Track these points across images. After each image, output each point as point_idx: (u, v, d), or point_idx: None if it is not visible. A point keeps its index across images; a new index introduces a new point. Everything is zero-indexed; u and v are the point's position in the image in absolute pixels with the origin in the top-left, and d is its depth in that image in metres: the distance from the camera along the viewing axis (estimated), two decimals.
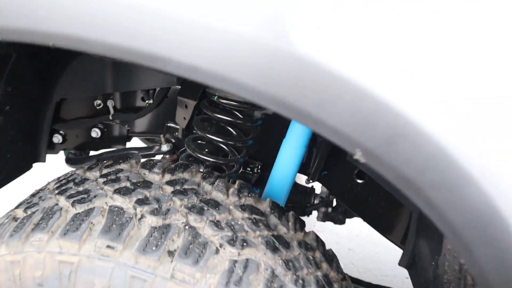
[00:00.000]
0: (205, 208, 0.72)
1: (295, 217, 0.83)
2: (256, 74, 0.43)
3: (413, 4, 0.42)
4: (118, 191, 0.72)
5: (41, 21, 0.47)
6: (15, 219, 0.73)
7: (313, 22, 0.42)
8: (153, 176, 0.78)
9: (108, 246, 0.64)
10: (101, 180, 0.76)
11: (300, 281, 0.70)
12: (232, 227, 0.71)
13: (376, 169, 0.45)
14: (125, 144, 1.11)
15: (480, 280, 0.46)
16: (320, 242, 0.83)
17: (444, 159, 0.42)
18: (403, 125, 0.42)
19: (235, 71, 0.43)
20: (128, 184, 0.74)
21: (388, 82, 0.42)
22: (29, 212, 0.73)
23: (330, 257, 0.83)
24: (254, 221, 0.74)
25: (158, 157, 1.07)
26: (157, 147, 1.02)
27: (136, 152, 1.02)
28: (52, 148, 1.01)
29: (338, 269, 0.83)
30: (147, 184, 0.75)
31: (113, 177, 0.77)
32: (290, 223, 0.80)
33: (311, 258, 0.77)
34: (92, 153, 1.11)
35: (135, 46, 0.44)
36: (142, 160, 0.84)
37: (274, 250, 0.71)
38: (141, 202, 0.70)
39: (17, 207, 0.78)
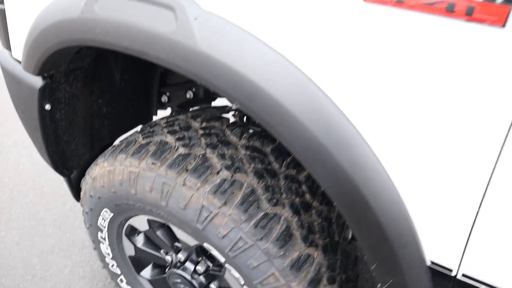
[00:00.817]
0: (219, 145, 1.06)
1: (293, 159, 1.09)
2: None
3: None
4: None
5: None
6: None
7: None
8: (195, 124, 1.15)
9: (153, 163, 1.04)
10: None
11: (274, 200, 0.98)
12: (233, 159, 1.03)
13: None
14: (211, 103, 1.51)
15: None
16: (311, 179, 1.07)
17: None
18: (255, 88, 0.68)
19: None
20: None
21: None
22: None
23: (316, 189, 1.07)
24: (253, 157, 1.05)
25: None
26: (228, 107, 1.38)
27: (215, 110, 1.39)
28: (162, 105, 1.48)
29: (323, 201, 1.07)
30: (188, 128, 1.13)
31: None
32: (284, 162, 1.07)
33: (294, 188, 1.04)
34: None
35: None
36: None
37: (260, 177, 1.01)
38: (180, 139, 1.09)
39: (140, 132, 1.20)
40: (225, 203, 0.94)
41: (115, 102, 1.37)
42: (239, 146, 1.08)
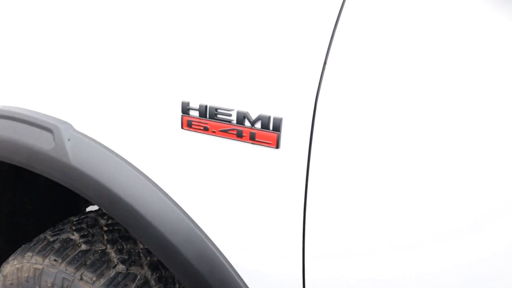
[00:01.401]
0: (119, 240, 1.16)
1: None
2: None
3: None
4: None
5: None
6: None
7: None
8: (101, 221, 1.26)
9: (55, 260, 1.12)
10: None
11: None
12: (130, 253, 1.13)
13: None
14: None
15: None
16: None
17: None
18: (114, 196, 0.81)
19: None
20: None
21: None
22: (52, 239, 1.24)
23: None
24: (149, 251, 1.15)
25: None
26: None
27: None
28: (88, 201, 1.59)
29: None
30: (94, 225, 1.23)
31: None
32: None
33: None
34: None
35: None
36: None
37: (154, 269, 1.10)
38: (84, 236, 1.18)
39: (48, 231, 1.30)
40: None
41: (41, 200, 1.47)
42: (138, 241, 1.18)
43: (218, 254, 0.76)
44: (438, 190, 0.55)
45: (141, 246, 1.16)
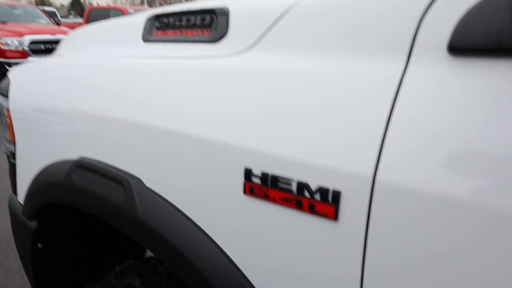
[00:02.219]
0: None
1: None
2: None
3: None
4: None
5: None
6: None
7: None
8: (161, 268, 1.30)
9: None
10: None
11: None
12: None
13: None
14: None
15: None
16: None
17: None
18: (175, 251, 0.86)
19: None
20: None
21: None
22: None
23: None
24: None
25: None
26: None
27: None
28: None
29: None
30: (154, 272, 1.28)
31: None
32: None
33: None
34: None
35: None
36: None
37: None
38: (144, 282, 1.23)
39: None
40: None
41: (109, 241, 1.55)
42: None
43: None
44: None
45: None
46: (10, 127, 1.40)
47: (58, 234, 1.38)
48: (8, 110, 1.39)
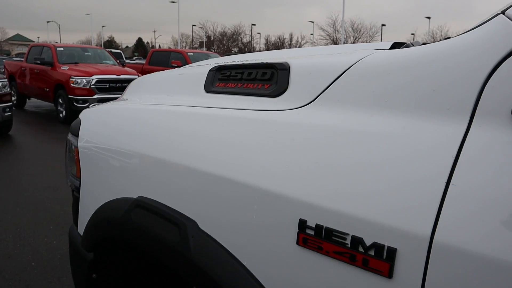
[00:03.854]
0: None
1: None
2: None
3: None
4: None
5: None
6: None
7: None
8: None
9: None
10: None
11: None
12: None
13: None
14: None
15: None
16: None
17: None
18: None
19: None
20: None
21: None
22: None
23: None
24: None
25: None
26: None
27: None
28: None
29: None
30: None
31: None
32: None
33: None
34: None
35: None
36: None
37: None
38: None
39: None
40: None
41: (159, 278, 1.58)
42: None
43: None
44: None
45: None
46: (77, 164, 1.49)
47: (112, 267, 1.42)
48: (77, 148, 1.49)
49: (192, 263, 0.91)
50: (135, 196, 1.13)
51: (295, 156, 0.79)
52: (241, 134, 0.91)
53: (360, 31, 55.28)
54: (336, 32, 53.98)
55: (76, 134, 1.51)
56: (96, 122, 1.47)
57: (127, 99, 1.60)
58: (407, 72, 0.74)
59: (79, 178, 1.48)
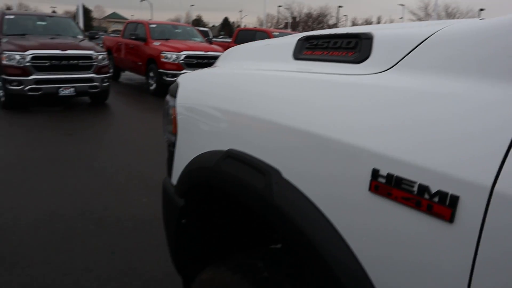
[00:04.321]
0: (297, 277, 1.32)
1: None
2: None
3: None
4: None
5: None
6: None
7: None
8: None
9: (241, 279, 1.34)
10: None
11: None
12: None
13: None
14: None
15: None
16: None
17: None
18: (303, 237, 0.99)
19: None
20: None
21: None
22: None
23: None
24: None
25: None
26: None
27: None
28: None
29: None
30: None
31: None
32: None
33: None
34: None
35: None
36: None
37: None
38: (270, 266, 1.38)
39: None
40: None
41: (244, 226, 1.75)
42: None
43: None
44: None
45: None
46: (174, 122, 1.69)
47: (200, 213, 1.61)
48: (174, 107, 1.69)
49: (274, 206, 1.04)
50: (225, 149, 1.28)
51: (374, 114, 0.88)
52: (325, 95, 1.01)
53: (454, 16, 51.80)
54: (428, 17, 51.07)
55: (174, 96, 1.71)
56: (192, 85, 1.65)
57: (219, 66, 1.76)
58: (481, 40, 0.80)
59: (175, 134, 1.68)
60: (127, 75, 13.90)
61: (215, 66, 1.84)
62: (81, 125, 7.25)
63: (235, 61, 1.69)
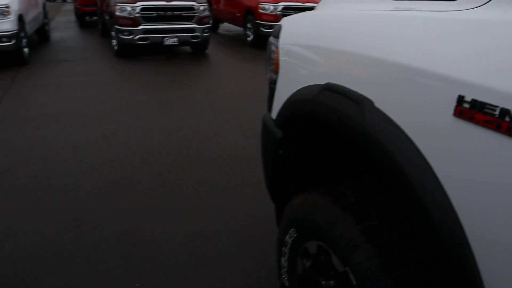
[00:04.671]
0: (382, 201, 1.46)
1: None
2: None
3: None
4: None
5: None
6: None
7: None
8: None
9: (331, 203, 1.51)
10: None
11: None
12: (387, 212, 1.41)
13: None
14: None
15: None
16: None
17: None
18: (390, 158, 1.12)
19: None
20: None
21: None
22: None
23: None
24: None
25: None
26: None
27: None
28: None
29: None
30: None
31: None
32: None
33: None
34: None
35: None
36: None
37: (402, 233, 1.36)
38: (355, 190, 1.53)
39: None
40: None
41: (334, 159, 1.91)
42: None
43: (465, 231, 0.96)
44: None
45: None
46: (276, 61, 1.85)
47: (295, 145, 1.79)
48: (277, 48, 1.84)
49: (366, 132, 1.17)
50: (323, 83, 1.42)
51: (464, 45, 0.96)
52: (422, 30, 1.10)
53: None
54: None
55: (277, 37, 1.86)
56: (294, 26, 1.79)
57: (319, 9, 1.87)
58: None
59: (276, 72, 1.85)
60: (225, 26, 14.27)
61: (315, 10, 1.95)
62: (184, 72, 7.75)
63: (335, 4, 1.79)
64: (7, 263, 2.47)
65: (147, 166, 3.75)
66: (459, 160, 0.96)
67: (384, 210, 1.41)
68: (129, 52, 8.93)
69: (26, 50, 7.99)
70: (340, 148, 1.76)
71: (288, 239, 1.77)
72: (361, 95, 1.23)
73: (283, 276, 1.89)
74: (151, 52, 9.42)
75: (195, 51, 9.74)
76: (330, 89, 1.37)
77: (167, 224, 2.88)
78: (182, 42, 8.96)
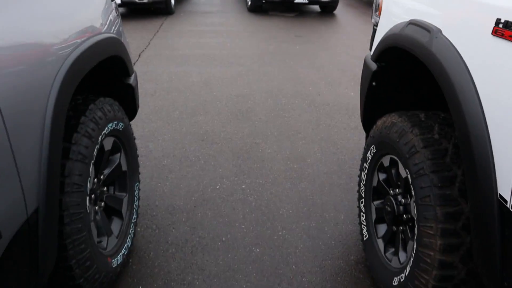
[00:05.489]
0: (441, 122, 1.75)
1: None
2: None
3: None
4: None
5: None
6: None
7: None
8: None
9: (405, 120, 1.84)
10: None
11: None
12: (445, 126, 1.71)
13: None
14: None
15: None
16: None
17: None
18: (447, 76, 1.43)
19: None
20: None
21: None
22: None
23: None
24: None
25: None
26: None
27: None
28: None
29: None
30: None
31: None
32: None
33: None
34: None
35: None
36: None
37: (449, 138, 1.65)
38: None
39: None
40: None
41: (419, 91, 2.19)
42: None
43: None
44: None
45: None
46: (380, 6, 2.16)
47: (387, 78, 2.11)
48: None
49: (432, 53, 1.48)
50: (408, 20, 1.73)
51: None
52: None
53: None
54: None
55: None
56: None
57: None
58: None
59: (379, 16, 2.16)
60: None
61: None
62: (309, 30, 8.10)
63: None
64: (149, 157, 3.21)
65: (265, 103, 4.29)
66: (497, 74, 1.24)
67: (446, 128, 1.70)
68: (260, 8, 9.52)
69: (172, 1, 9.04)
70: (421, 82, 2.05)
71: (369, 155, 2.13)
72: (433, 26, 1.53)
73: (361, 188, 2.26)
74: (281, 9, 9.89)
75: (323, 10, 9.97)
76: (412, 23, 1.67)
77: (276, 148, 3.40)
78: (312, 1, 9.25)
